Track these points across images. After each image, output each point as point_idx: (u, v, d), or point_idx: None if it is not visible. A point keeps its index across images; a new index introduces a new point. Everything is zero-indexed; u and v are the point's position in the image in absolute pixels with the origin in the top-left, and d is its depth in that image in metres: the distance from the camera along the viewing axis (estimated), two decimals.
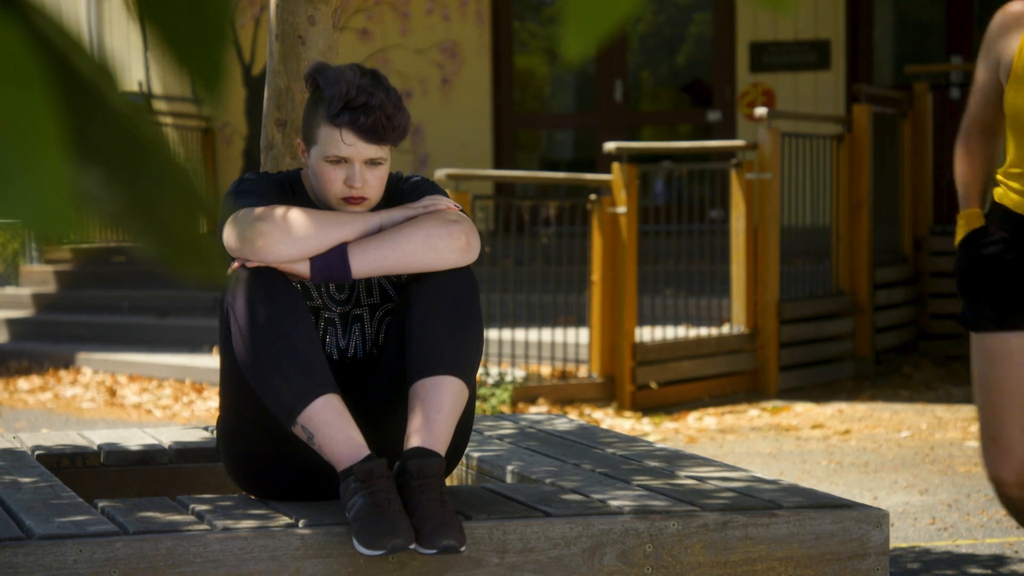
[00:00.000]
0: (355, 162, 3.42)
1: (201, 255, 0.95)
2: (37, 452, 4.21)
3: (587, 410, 9.14)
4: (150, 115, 0.94)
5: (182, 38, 0.92)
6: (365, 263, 3.38)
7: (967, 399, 9.68)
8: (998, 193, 3.93)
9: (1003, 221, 3.90)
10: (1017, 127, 3.79)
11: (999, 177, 3.93)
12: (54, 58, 0.91)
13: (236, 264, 3.38)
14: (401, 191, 3.57)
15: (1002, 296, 3.91)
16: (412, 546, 3.12)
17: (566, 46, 0.94)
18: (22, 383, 10.64)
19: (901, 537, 5.78)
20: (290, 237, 3.33)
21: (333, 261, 3.37)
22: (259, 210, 3.36)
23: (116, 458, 4.25)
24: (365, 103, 3.40)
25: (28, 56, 0.87)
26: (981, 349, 3.96)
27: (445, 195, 3.55)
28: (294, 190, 3.55)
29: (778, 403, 9.61)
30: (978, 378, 4.00)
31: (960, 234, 3.99)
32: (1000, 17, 3.83)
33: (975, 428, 8.62)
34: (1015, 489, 3.93)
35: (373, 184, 3.44)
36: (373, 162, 3.43)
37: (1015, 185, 3.86)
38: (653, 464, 3.99)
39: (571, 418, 4.92)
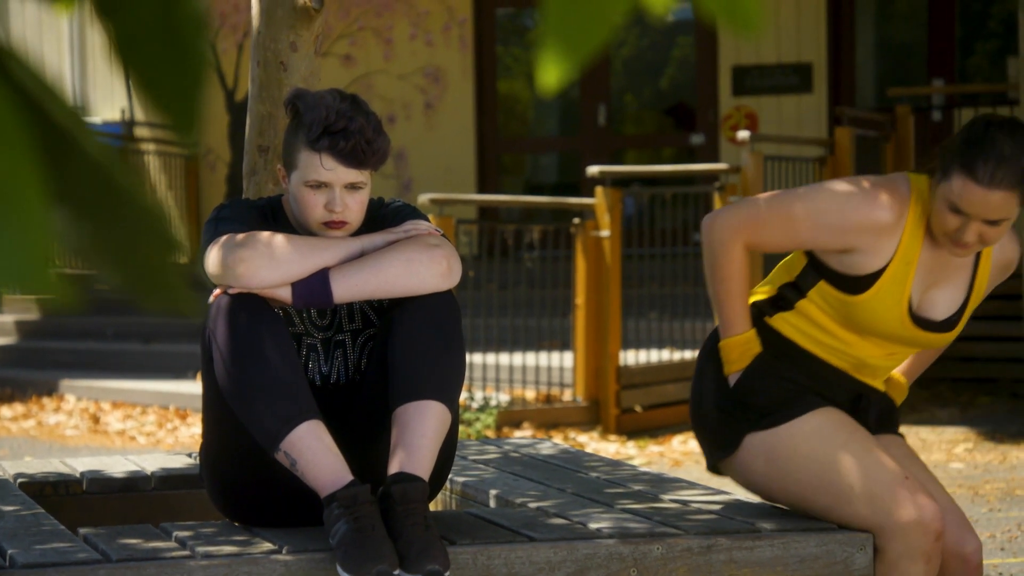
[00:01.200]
0: (335, 187, 3.42)
1: (168, 287, 0.95)
2: (20, 480, 4.20)
3: (572, 434, 9.14)
4: (125, 160, 0.95)
5: (160, 83, 0.93)
6: (347, 288, 3.38)
7: (951, 421, 9.69)
8: (801, 341, 3.60)
9: (813, 368, 3.61)
10: (848, 319, 3.53)
11: (807, 329, 3.60)
12: (31, 107, 0.92)
13: (218, 291, 3.38)
14: (383, 216, 3.57)
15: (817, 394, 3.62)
16: (396, 572, 3.12)
17: (544, 74, 0.95)
18: (5, 410, 10.61)
19: None
20: (271, 263, 3.33)
21: (315, 286, 3.37)
22: (240, 236, 3.35)
23: (99, 485, 4.23)
24: (345, 128, 3.40)
25: (10, 112, 0.88)
26: (819, 423, 3.52)
27: (426, 220, 3.55)
28: (275, 216, 3.55)
29: None
30: (827, 453, 3.49)
31: (743, 361, 3.56)
32: (869, 216, 3.48)
33: (959, 450, 8.63)
34: (940, 523, 3.43)
35: (354, 208, 3.44)
36: (353, 186, 3.43)
37: (831, 343, 3.59)
38: (637, 488, 3.98)
39: (555, 442, 4.91)
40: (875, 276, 3.51)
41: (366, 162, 3.42)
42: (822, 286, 3.58)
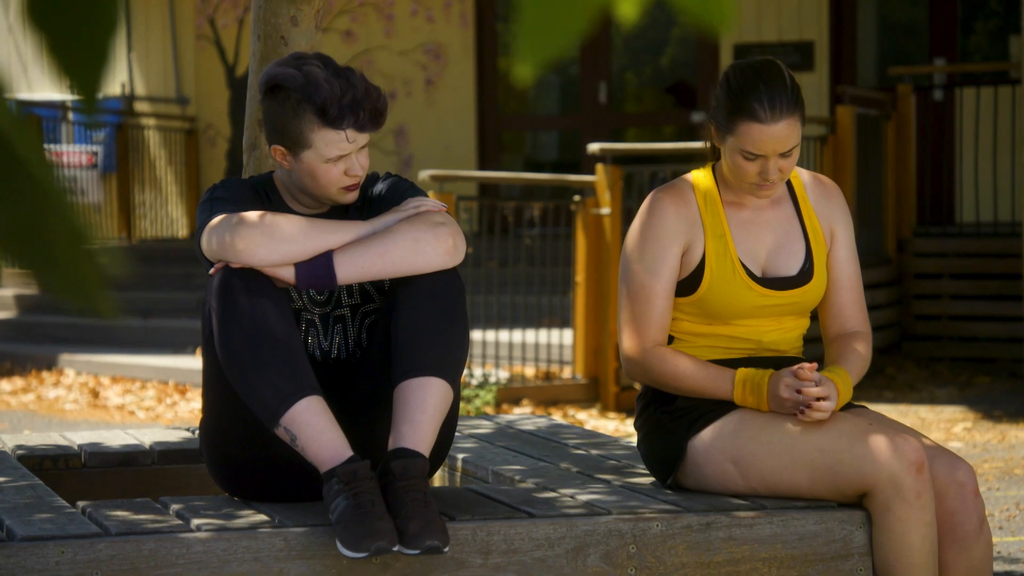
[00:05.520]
0: (353, 153, 3.44)
1: (84, 284, 0.95)
2: (19, 453, 4.20)
3: (571, 411, 9.14)
4: (27, 130, 0.94)
5: (67, 51, 0.93)
6: (352, 270, 3.37)
7: (950, 400, 9.70)
8: (700, 356, 3.64)
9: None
10: (711, 315, 3.61)
11: (693, 343, 3.67)
12: None
13: (219, 265, 3.37)
14: (377, 191, 3.57)
15: None
16: (396, 547, 3.12)
17: (518, 65, 0.97)
18: (4, 384, 10.61)
19: None
20: (271, 241, 3.32)
21: (319, 269, 3.35)
22: (244, 215, 3.34)
23: (98, 459, 4.23)
24: (354, 98, 3.40)
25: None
26: (750, 412, 3.52)
27: (424, 195, 3.55)
28: (268, 194, 3.55)
29: None
30: (783, 431, 3.48)
31: (762, 392, 3.51)
32: (663, 226, 3.61)
33: (958, 429, 8.63)
34: (919, 453, 3.39)
35: (367, 166, 3.49)
36: (363, 146, 3.47)
37: (720, 342, 3.67)
38: (636, 465, 3.99)
39: (553, 418, 4.92)
40: (701, 264, 3.61)
41: (379, 121, 3.45)
42: (676, 303, 3.64)
